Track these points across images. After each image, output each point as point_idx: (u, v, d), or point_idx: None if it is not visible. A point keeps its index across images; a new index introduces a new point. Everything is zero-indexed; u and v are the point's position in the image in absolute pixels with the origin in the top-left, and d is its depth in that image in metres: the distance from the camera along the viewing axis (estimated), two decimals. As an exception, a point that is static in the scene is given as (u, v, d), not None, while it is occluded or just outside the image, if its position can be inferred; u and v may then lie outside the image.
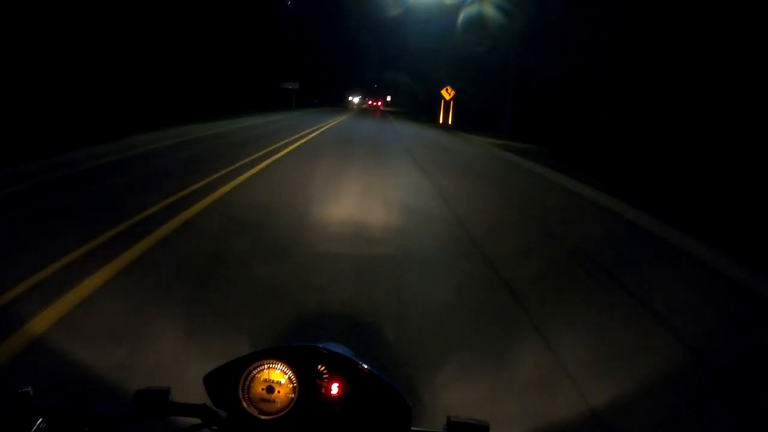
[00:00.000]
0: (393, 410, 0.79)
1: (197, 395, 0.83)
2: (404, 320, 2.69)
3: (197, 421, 0.78)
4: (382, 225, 4.62)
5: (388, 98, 78.63)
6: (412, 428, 0.79)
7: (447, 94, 26.36)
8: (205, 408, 0.79)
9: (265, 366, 0.79)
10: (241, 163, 7.65)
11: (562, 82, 15.67)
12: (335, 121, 23.69)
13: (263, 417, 0.76)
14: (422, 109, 37.17)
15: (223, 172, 6.64)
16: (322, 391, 0.79)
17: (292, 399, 0.77)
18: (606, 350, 2.55)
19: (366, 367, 0.82)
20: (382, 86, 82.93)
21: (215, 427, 0.78)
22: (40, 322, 2.39)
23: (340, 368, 0.80)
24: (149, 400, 0.76)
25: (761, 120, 9.46)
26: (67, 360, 2.07)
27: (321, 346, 0.85)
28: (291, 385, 0.78)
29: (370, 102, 76.87)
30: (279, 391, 0.78)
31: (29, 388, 0.67)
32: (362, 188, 6.46)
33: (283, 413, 0.77)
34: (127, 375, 1.98)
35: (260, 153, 9.01)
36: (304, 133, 14.43)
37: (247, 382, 0.79)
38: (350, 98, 79.59)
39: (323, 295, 2.94)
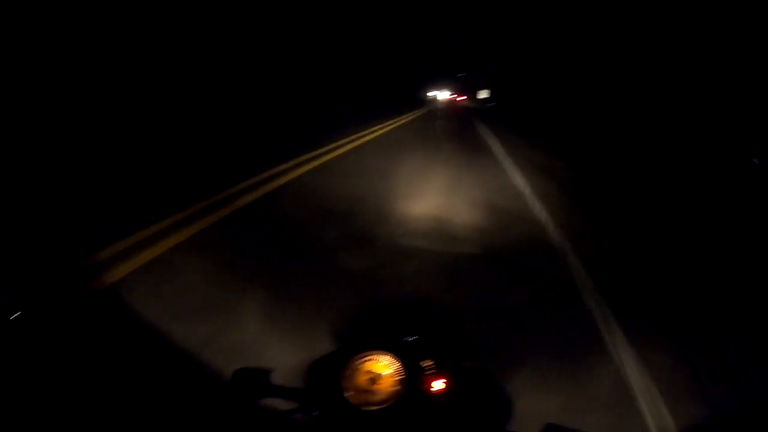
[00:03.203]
0: (494, 409, 0.79)
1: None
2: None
3: (294, 404, 0.83)
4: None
5: (482, 95, 64.72)
6: (509, 430, 0.78)
7: None
8: (305, 393, 0.83)
9: (371, 357, 0.82)
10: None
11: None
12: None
13: (365, 408, 0.79)
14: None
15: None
16: (425, 386, 0.79)
17: (394, 392, 0.79)
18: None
19: (471, 363, 0.82)
20: (474, 73, 66.48)
21: (315, 413, 0.81)
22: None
23: (446, 364, 0.81)
24: (249, 380, 0.82)
25: None
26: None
27: (421, 338, 0.86)
28: (394, 378, 0.80)
29: (454, 96, 65.43)
30: (381, 383, 0.80)
31: None
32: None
33: (385, 405, 0.78)
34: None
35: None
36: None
37: (351, 372, 0.82)
38: (429, 93, 65.92)
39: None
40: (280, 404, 0.84)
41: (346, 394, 0.80)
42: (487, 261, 3.61)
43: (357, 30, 37.69)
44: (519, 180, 6.96)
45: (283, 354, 2.09)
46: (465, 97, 60.33)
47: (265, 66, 22.28)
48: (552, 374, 2.19)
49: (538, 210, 5.24)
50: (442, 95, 65.40)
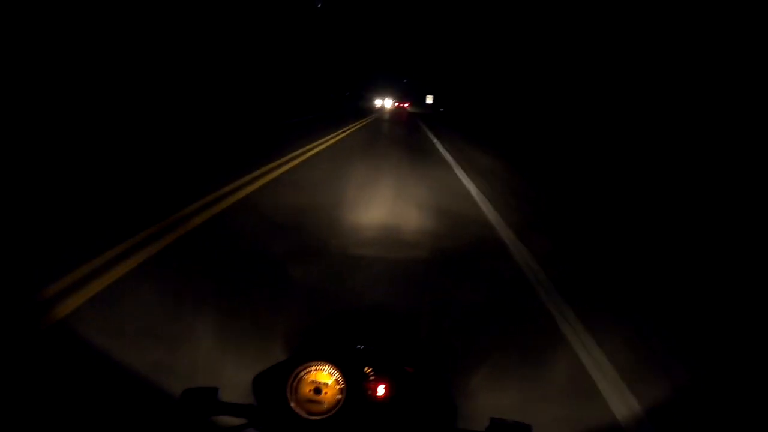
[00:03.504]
0: (438, 410, 0.84)
1: (245, 393, 0.90)
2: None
3: (244, 420, 0.85)
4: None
5: (428, 100, 59.79)
6: (457, 428, 0.83)
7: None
8: (252, 408, 0.85)
9: (313, 368, 0.85)
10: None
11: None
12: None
13: (311, 417, 0.82)
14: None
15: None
16: (369, 392, 0.84)
17: (339, 400, 0.83)
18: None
19: (412, 368, 0.87)
20: (416, 82, 70.67)
21: (263, 427, 0.84)
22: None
23: (386, 369, 0.85)
24: (197, 399, 0.84)
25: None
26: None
27: (366, 347, 0.91)
28: (338, 387, 0.84)
29: (397, 104, 64.65)
30: (326, 392, 0.84)
31: None
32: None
33: (330, 414, 0.82)
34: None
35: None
36: None
37: (295, 384, 0.85)
38: (376, 102, 64.92)
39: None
40: (229, 421, 0.85)
41: (291, 405, 0.83)
42: (437, 263, 3.74)
43: (297, 43, 36.92)
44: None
45: (239, 369, 2.07)
46: (407, 104, 62.83)
47: (204, 80, 21.51)
48: (510, 371, 2.31)
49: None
50: (388, 103, 65.60)
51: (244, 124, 15.65)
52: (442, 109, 50.12)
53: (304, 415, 0.82)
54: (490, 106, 27.48)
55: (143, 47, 17.14)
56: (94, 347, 2.20)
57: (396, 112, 45.70)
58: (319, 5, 47.18)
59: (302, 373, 0.85)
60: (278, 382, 0.85)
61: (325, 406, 0.83)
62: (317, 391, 0.84)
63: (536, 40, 20.62)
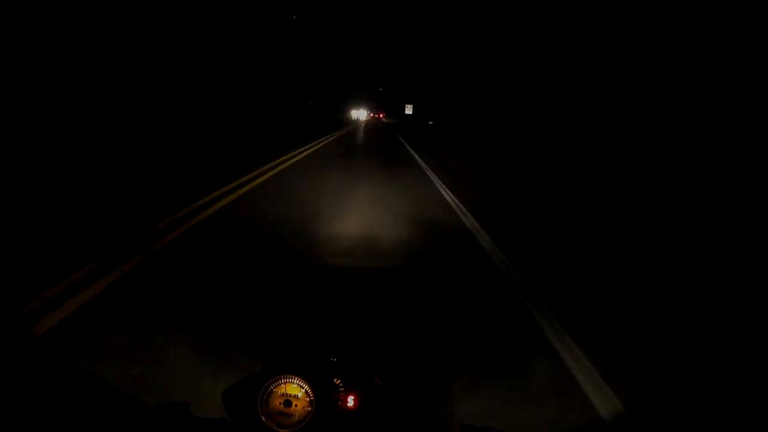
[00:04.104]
0: (408, 420, 0.87)
1: (216, 407, 0.91)
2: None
3: None
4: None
5: (408, 110, 59.27)
6: None
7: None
8: (224, 422, 0.86)
9: (282, 380, 0.87)
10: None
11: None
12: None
13: (282, 430, 0.84)
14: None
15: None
16: (339, 403, 0.86)
17: (309, 412, 0.85)
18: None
19: (381, 379, 0.90)
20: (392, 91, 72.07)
21: None
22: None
23: (355, 381, 0.88)
24: (169, 415, 0.85)
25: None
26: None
27: (335, 359, 0.93)
28: (308, 399, 0.86)
29: (372, 114, 68.38)
30: (296, 405, 0.86)
31: None
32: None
33: (300, 426, 0.84)
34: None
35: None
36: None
37: (265, 397, 0.86)
38: (353, 113, 65.13)
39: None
40: None
41: (263, 419, 0.85)
42: (412, 271, 3.78)
43: (270, 53, 36.01)
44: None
45: (218, 385, 2.05)
46: (381, 114, 64.90)
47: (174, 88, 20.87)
48: (489, 375, 2.34)
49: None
50: (362, 114, 66.40)
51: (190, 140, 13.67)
52: (431, 122, 40.39)
53: (275, 428, 0.84)
54: (493, 115, 22.88)
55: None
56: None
57: (372, 123, 47.26)
58: (294, 17, 47.30)
59: (272, 386, 0.87)
60: (248, 395, 0.86)
61: (296, 419, 0.85)
62: (287, 403, 0.86)
63: (520, 39, 20.61)
